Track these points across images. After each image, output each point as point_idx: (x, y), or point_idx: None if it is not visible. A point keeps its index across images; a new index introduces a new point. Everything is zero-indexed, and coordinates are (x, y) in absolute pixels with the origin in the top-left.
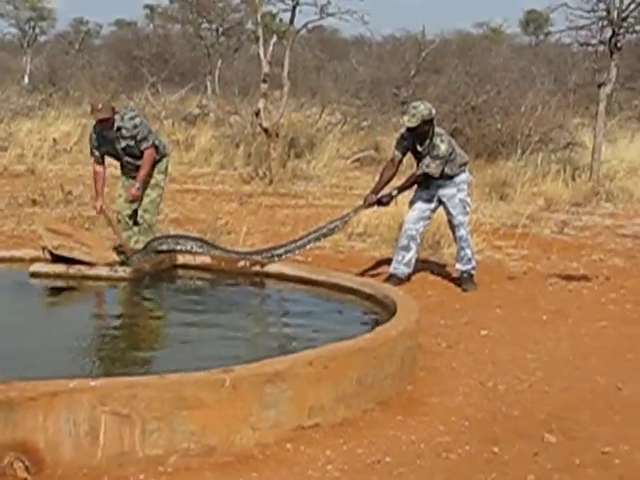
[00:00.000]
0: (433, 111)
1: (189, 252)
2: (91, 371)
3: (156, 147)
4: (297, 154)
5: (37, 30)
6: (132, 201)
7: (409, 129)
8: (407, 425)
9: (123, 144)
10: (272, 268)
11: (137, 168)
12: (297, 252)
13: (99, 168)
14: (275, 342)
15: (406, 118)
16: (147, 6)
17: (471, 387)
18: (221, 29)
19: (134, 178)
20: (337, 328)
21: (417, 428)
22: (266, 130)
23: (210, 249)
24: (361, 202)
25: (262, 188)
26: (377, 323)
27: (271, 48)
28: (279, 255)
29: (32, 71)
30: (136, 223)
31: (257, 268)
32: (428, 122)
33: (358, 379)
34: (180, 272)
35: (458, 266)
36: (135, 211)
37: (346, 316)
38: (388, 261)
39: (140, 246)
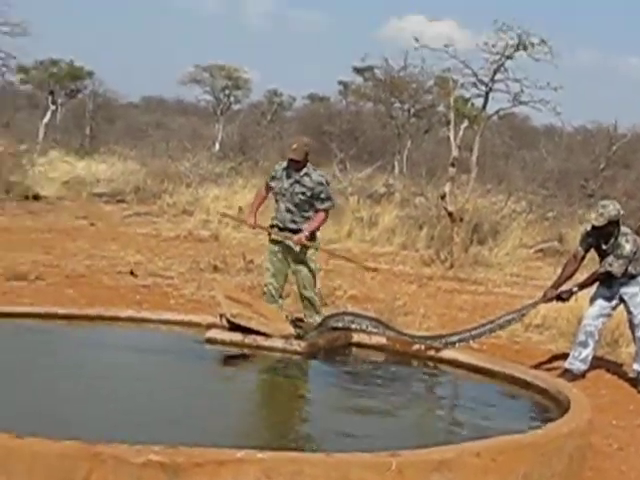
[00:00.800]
0: (621, 212)
1: (364, 331)
2: (254, 442)
3: (327, 215)
4: (480, 240)
5: (231, 99)
6: (276, 275)
7: (595, 227)
8: None
9: (299, 190)
10: (446, 354)
11: (291, 221)
12: (471, 341)
13: (263, 192)
14: (443, 429)
15: (593, 216)
16: (341, 82)
17: None
18: (413, 110)
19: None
20: (507, 420)
21: None
22: (450, 214)
23: (385, 329)
24: (540, 295)
25: (442, 272)
26: (548, 419)
27: (461, 132)
28: (452, 343)
29: (223, 138)
30: (281, 296)
31: (431, 352)
32: (615, 222)
33: (525, 474)
34: (354, 350)
35: (635, 366)
36: (282, 285)
37: (517, 409)
38: (564, 355)
39: (313, 321)
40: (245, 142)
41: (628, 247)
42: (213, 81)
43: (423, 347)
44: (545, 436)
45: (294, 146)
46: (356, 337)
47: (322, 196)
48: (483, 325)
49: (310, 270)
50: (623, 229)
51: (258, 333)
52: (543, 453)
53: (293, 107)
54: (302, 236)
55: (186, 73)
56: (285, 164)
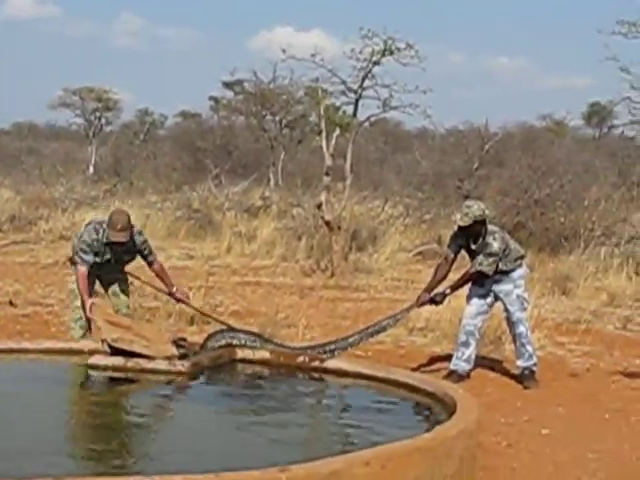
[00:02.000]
0: (486, 211)
1: (244, 346)
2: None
3: None
4: (359, 247)
5: (103, 120)
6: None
7: (461, 228)
8: None
9: (127, 257)
10: (331, 363)
11: (118, 271)
12: (348, 349)
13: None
14: (332, 441)
15: (459, 217)
16: (212, 98)
17: None
18: (284, 121)
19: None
20: (395, 426)
21: None
22: (328, 223)
23: (263, 343)
24: (414, 300)
25: (323, 281)
26: (436, 422)
27: (334, 140)
28: (330, 351)
29: (97, 161)
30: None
31: (316, 363)
32: (481, 222)
33: (416, 479)
34: (239, 367)
35: (519, 362)
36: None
37: (405, 414)
38: (449, 357)
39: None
40: (119, 163)
41: (496, 245)
42: (83, 104)
43: (307, 359)
44: (434, 439)
45: (118, 227)
46: (240, 353)
47: (145, 252)
48: (359, 332)
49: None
50: (490, 228)
51: (140, 356)
52: (433, 456)
53: (165, 125)
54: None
55: (55, 97)
56: (104, 240)
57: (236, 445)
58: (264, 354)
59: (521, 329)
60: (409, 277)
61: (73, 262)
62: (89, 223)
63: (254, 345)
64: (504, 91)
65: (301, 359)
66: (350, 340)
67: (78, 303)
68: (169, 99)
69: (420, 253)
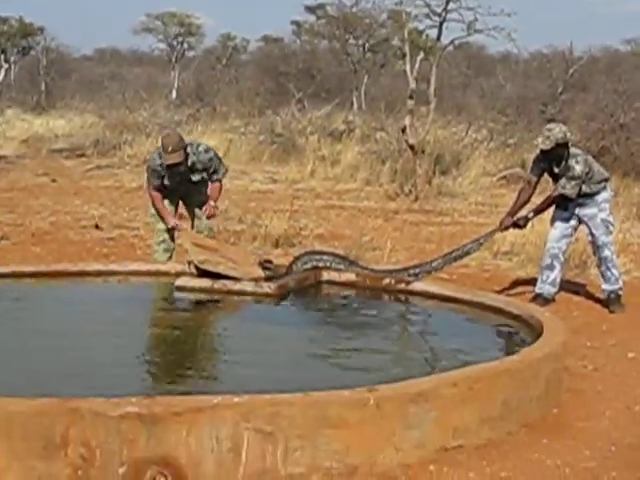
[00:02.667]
0: (568, 134)
1: (329, 268)
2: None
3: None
4: (443, 171)
5: (185, 46)
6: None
7: (543, 151)
8: (552, 449)
9: (196, 177)
10: (417, 286)
11: (198, 192)
12: (432, 273)
13: (159, 193)
14: (419, 363)
15: (540, 140)
16: (294, 22)
17: (618, 411)
18: (367, 45)
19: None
20: (481, 349)
21: (562, 452)
22: (412, 147)
23: (348, 265)
24: (497, 223)
25: (407, 205)
26: (523, 344)
27: (417, 64)
28: (415, 274)
29: (180, 86)
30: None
31: (402, 286)
32: (563, 145)
33: (503, 401)
34: (324, 288)
35: (605, 286)
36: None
37: (491, 337)
38: (534, 280)
39: None
40: (201, 88)
41: (579, 168)
42: (166, 29)
43: (393, 281)
44: (521, 361)
45: (169, 148)
46: (326, 275)
47: (211, 170)
48: (443, 256)
49: None
50: (573, 150)
51: (227, 277)
52: (520, 378)
53: (247, 50)
54: (211, 210)
55: (138, 22)
56: (164, 165)
57: (323, 368)
58: (350, 276)
59: (606, 253)
60: (493, 201)
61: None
62: (157, 149)
63: (339, 267)
64: (589, 14)
65: (387, 281)
66: (434, 264)
67: (160, 226)
68: (251, 24)
69: (504, 177)
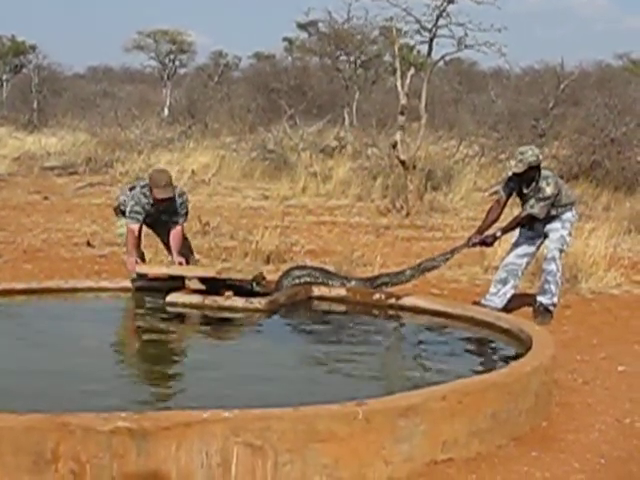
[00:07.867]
0: (540, 157)
1: (315, 283)
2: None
3: None
4: (434, 187)
5: (177, 63)
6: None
7: (515, 174)
8: (541, 462)
9: (164, 218)
10: (407, 301)
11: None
12: (401, 284)
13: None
14: (408, 376)
15: (513, 163)
16: (285, 39)
17: (607, 424)
18: (359, 61)
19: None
20: (471, 362)
21: (552, 465)
22: (403, 162)
23: (324, 277)
24: (464, 240)
25: (399, 220)
26: (512, 358)
27: (408, 80)
28: (383, 284)
29: (172, 103)
30: None
31: (392, 301)
32: (535, 167)
33: (492, 414)
34: (315, 304)
35: (539, 298)
36: None
37: (480, 350)
38: (525, 295)
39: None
40: (193, 105)
41: (549, 189)
42: (157, 46)
43: (383, 296)
44: (510, 375)
45: (162, 183)
46: (316, 290)
47: (181, 213)
48: (412, 268)
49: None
50: (544, 172)
51: (239, 282)
52: (509, 392)
53: (239, 67)
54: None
55: (130, 40)
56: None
57: (312, 381)
58: (340, 291)
59: (552, 267)
60: (484, 216)
61: (117, 213)
62: (133, 187)
63: (319, 281)
64: (581, 30)
65: (377, 297)
66: (404, 275)
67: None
68: (243, 41)
69: (495, 193)
